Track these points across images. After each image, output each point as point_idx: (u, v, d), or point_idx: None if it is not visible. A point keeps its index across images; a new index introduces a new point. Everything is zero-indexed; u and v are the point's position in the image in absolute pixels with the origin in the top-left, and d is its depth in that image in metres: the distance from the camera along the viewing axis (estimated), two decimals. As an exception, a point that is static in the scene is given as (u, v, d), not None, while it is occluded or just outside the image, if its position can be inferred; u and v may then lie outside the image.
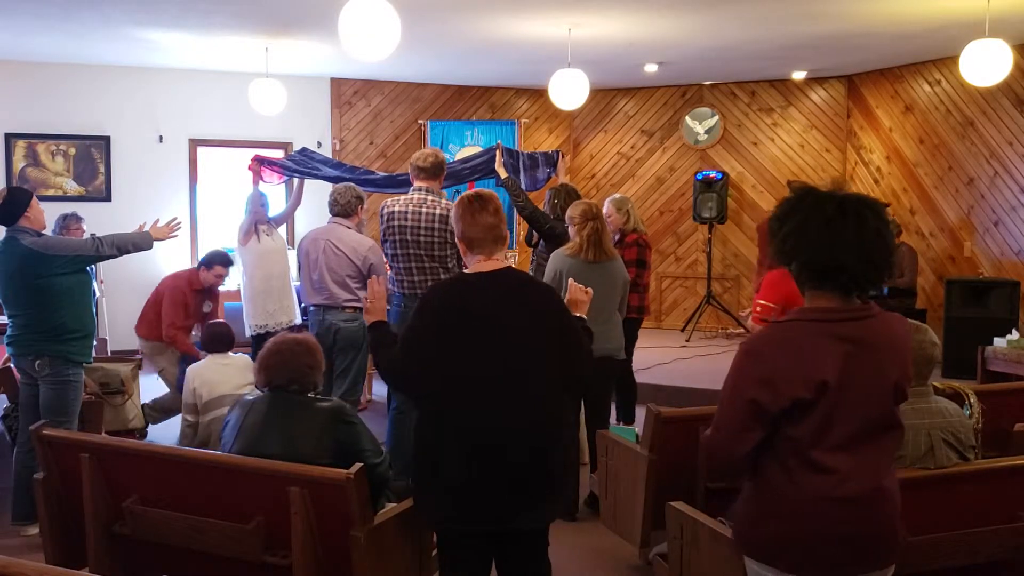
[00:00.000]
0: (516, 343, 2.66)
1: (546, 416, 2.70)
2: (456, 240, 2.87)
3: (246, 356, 5.47)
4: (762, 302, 4.17)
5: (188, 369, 5.20)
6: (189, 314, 5.83)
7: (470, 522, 2.66)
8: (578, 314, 3.03)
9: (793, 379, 2.05)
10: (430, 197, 4.54)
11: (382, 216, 4.61)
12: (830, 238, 2.06)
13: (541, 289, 2.84)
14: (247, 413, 3.11)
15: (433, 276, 4.54)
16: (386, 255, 4.73)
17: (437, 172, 4.62)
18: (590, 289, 3.17)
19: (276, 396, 3.12)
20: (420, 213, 4.49)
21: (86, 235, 6.37)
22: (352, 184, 5.45)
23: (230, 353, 5.29)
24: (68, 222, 6.29)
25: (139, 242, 4.49)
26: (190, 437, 5.09)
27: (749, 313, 4.35)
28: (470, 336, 2.65)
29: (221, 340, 5.29)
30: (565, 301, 3.08)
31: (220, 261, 5.93)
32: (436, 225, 4.49)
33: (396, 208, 4.54)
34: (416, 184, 4.61)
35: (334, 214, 5.22)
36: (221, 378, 5.07)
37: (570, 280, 3.23)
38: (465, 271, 2.83)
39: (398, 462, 4.07)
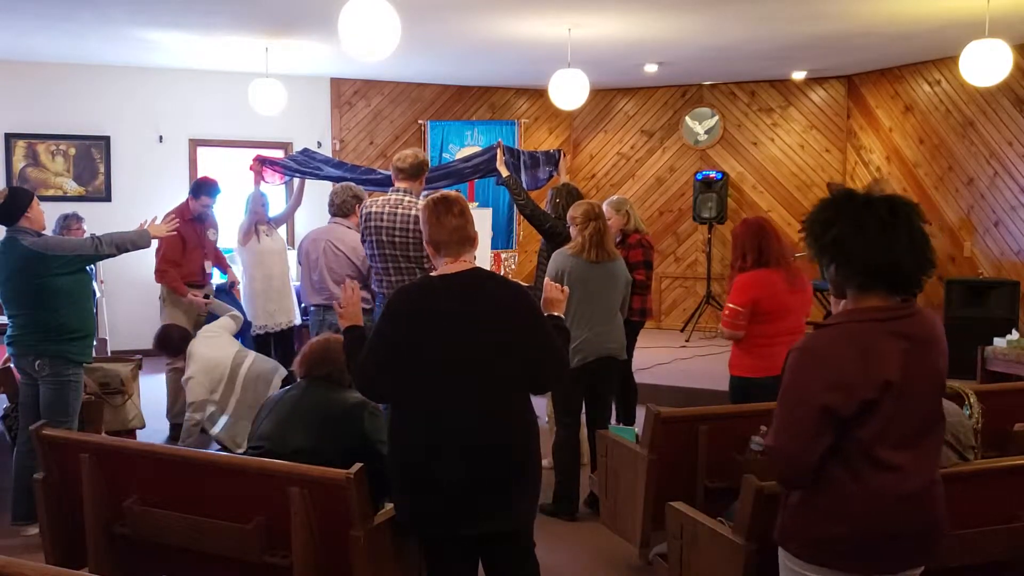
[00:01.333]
0: (481, 343, 2.65)
1: (515, 416, 2.70)
2: (424, 244, 2.88)
3: (220, 321, 5.60)
4: (731, 306, 4.18)
5: (186, 380, 5.24)
6: (189, 247, 5.92)
7: (445, 525, 2.66)
8: (555, 313, 3.03)
9: (862, 381, 2.08)
10: (407, 198, 4.52)
11: (361, 216, 4.61)
12: (887, 240, 2.11)
13: (509, 288, 2.81)
14: (282, 396, 3.34)
15: (409, 276, 4.53)
16: (366, 255, 4.73)
17: (417, 173, 4.61)
18: (567, 288, 3.17)
19: (311, 384, 3.32)
20: (396, 214, 4.48)
21: (86, 235, 6.40)
22: (350, 184, 5.45)
23: (198, 335, 5.47)
24: (69, 222, 6.31)
25: (137, 240, 4.55)
26: (196, 435, 5.13)
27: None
28: (436, 338, 2.64)
29: (183, 340, 5.45)
30: (543, 299, 3.09)
31: (206, 191, 6.05)
32: (411, 226, 4.47)
33: (373, 209, 4.54)
34: (396, 184, 4.60)
35: (332, 214, 5.23)
36: (217, 354, 5.23)
37: (546, 279, 3.24)
38: (431, 274, 2.82)
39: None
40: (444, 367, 2.64)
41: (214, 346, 5.30)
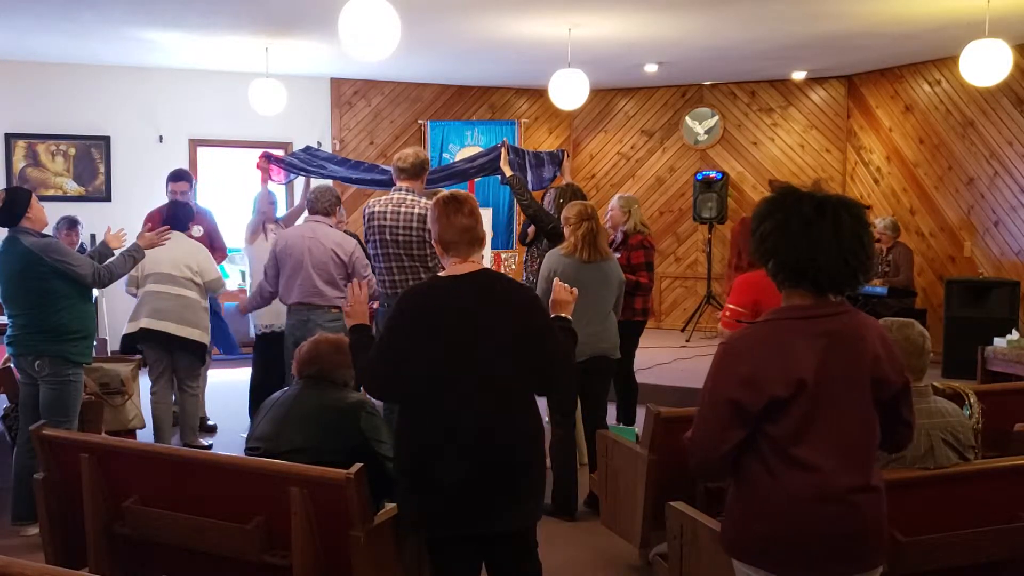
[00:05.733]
0: (490, 344, 2.65)
1: (521, 416, 2.71)
2: (433, 242, 2.87)
3: (200, 246, 5.64)
4: (731, 306, 4.16)
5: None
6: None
7: (453, 525, 2.66)
8: (563, 314, 3.02)
9: (773, 378, 2.07)
10: (409, 197, 4.55)
11: (364, 216, 4.63)
12: (807, 238, 2.09)
13: (516, 290, 2.82)
14: (280, 397, 3.31)
15: (413, 275, 4.54)
16: (368, 255, 4.75)
17: (418, 172, 4.64)
18: (575, 289, 3.14)
19: (307, 384, 3.29)
20: (399, 213, 4.50)
21: (83, 238, 6.44)
22: (331, 185, 5.49)
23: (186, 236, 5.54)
24: (60, 227, 6.36)
25: (131, 265, 4.67)
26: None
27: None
28: (444, 338, 2.65)
29: (175, 218, 5.52)
30: (551, 301, 3.08)
31: (171, 178, 6.11)
32: (415, 224, 4.49)
33: (376, 208, 4.56)
34: (397, 184, 4.63)
35: (313, 212, 5.24)
36: (166, 255, 5.28)
37: (555, 280, 3.21)
38: (440, 274, 2.82)
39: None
40: (451, 367, 2.64)
41: (178, 242, 5.40)
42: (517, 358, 2.68)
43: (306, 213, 5.50)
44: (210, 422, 6.20)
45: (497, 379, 2.65)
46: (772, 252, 2.16)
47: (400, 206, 4.51)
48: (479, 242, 2.81)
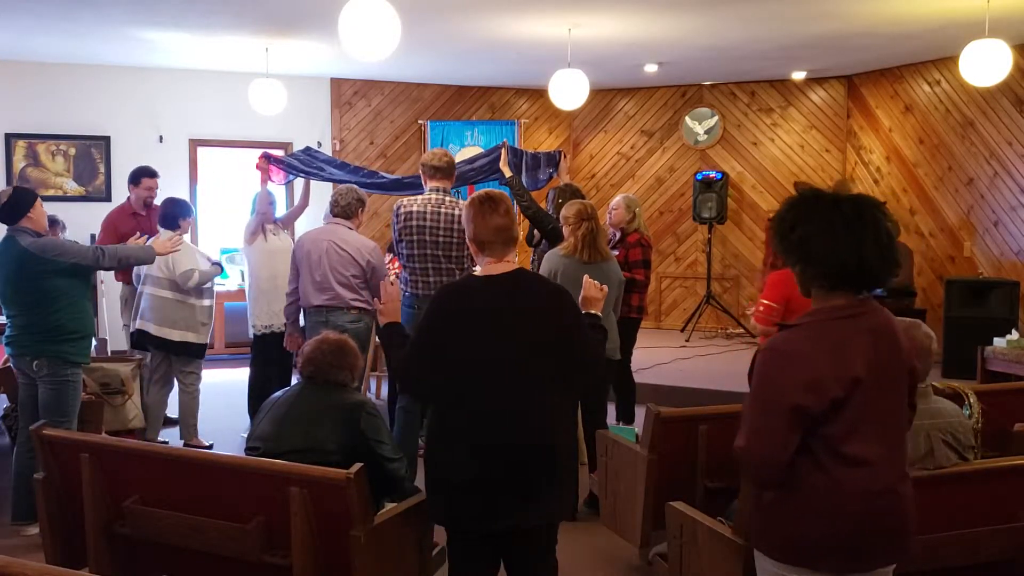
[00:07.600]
0: (524, 343, 2.67)
1: (553, 414, 2.72)
2: (467, 241, 2.88)
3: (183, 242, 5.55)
4: (766, 302, 4.19)
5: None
6: (122, 237, 5.80)
7: (481, 520, 2.67)
8: (593, 311, 3.04)
9: (833, 379, 2.08)
10: (447, 198, 4.55)
11: (398, 216, 4.60)
12: (853, 240, 2.11)
13: (551, 290, 2.84)
14: (280, 397, 3.32)
15: (449, 277, 4.53)
16: (401, 255, 4.72)
17: (451, 171, 4.66)
18: (606, 287, 3.16)
19: (308, 384, 3.30)
20: (439, 214, 4.48)
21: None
22: (354, 186, 5.45)
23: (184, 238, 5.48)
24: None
25: (140, 255, 4.68)
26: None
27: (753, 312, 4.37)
28: (478, 337, 2.66)
29: (171, 216, 5.51)
30: (579, 300, 3.09)
31: (145, 173, 6.08)
32: (455, 226, 4.48)
33: (414, 208, 4.53)
34: (432, 184, 4.60)
35: (335, 215, 5.22)
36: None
37: (585, 277, 3.22)
38: (474, 272, 2.83)
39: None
40: (484, 367, 2.65)
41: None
42: (547, 357, 2.70)
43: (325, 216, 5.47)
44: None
45: (529, 378, 2.67)
46: (812, 257, 2.15)
47: (440, 207, 4.49)
48: (513, 242, 2.83)
